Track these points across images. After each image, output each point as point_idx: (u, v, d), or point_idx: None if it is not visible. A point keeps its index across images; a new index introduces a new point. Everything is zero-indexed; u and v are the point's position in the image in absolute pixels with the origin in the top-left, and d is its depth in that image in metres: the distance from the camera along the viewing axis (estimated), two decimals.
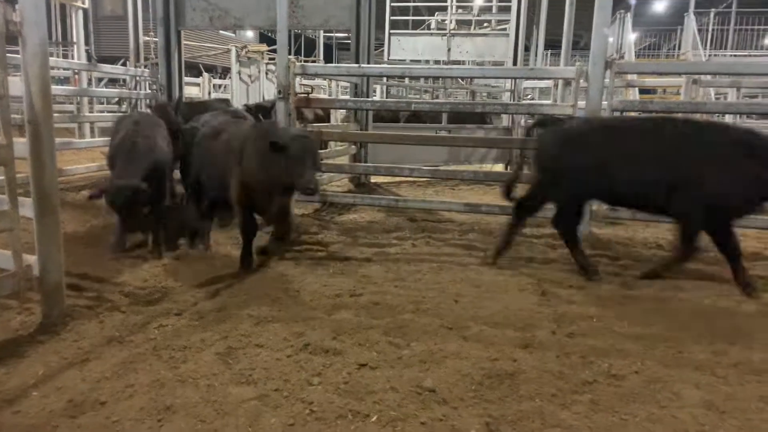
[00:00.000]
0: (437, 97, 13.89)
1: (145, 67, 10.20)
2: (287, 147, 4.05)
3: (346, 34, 10.80)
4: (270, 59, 13.44)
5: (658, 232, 6.01)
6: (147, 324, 3.45)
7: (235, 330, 3.34)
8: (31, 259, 3.32)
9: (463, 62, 12.69)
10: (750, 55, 17.96)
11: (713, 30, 18.63)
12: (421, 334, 3.33)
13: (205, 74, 13.49)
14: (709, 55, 16.58)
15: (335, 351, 3.08)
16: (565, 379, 2.85)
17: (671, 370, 2.97)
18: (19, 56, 3.16)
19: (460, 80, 14.03)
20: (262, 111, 7.06)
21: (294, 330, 3.34)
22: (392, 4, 12.70)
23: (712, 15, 18.64)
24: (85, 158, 9.12)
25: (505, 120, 11.45)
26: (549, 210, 4.75)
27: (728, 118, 11.52)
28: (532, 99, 14.46)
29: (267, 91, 12.04)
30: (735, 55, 18.07)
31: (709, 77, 9.20)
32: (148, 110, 6.40)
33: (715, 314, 3.78)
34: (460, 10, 13.25)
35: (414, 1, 14.47)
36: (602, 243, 5.44)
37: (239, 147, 4.44)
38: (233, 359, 2.99)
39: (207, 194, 5.02)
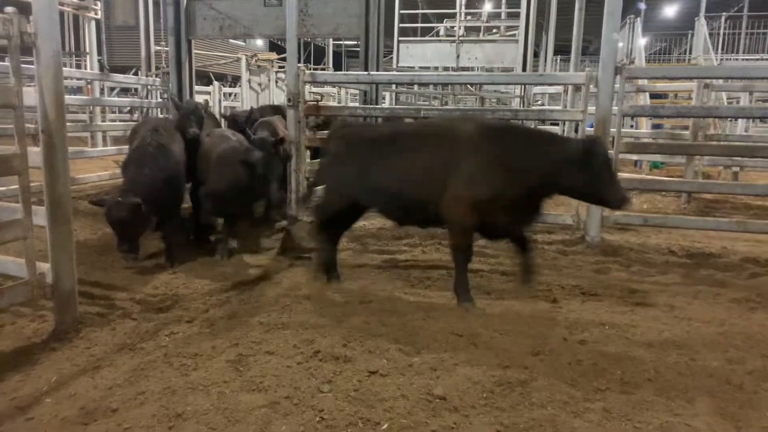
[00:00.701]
0: (446, 104, 13.90)
1: (157, 76, 10.29)
2: (597, 148, 3.48)
3: (356, 42, 10.84)
4: (280, 67, 13.52)
5: (670, 238, 5.96)
6: (158, 331, 3.47)
7: (245, 337, 3.35)
8: (45, 267, 3.35)
9: (472, 69, 12.70)
10: (762, 59, 17.80)
11: (724, 34, 18.50)
12: (431, 341, 3.31)
13: (216, 83, 13.56)
14: (721, 59, 16.46)
15: (345, 358, 3.08)
16: (577, 386, 2.83)
17: (685, 377, 2.94)
18: (33, 67, 3.21)
19: (469, 86, 14.04)
20: (236, 120, 6.77)
21: (304, 337, 3.34)
22: (401, 11, 12.74)
23: (723, 19, 18.51)
24: (97, 167, 9.22)
25: None
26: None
27: (740, 123, 11.45)
28: (542, 105, 14.43)
29: (277, 98, 12.09)
30: (747, 59, 17.93)
31: (720, 81, 9.14)
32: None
33: (728, 321, 3.74)
34: (468, 17, 13.27)
35: (423, 9, 14.51)
36: (613, 249, 5.39)
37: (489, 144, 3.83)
38: (244, 366, 3.00)
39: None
